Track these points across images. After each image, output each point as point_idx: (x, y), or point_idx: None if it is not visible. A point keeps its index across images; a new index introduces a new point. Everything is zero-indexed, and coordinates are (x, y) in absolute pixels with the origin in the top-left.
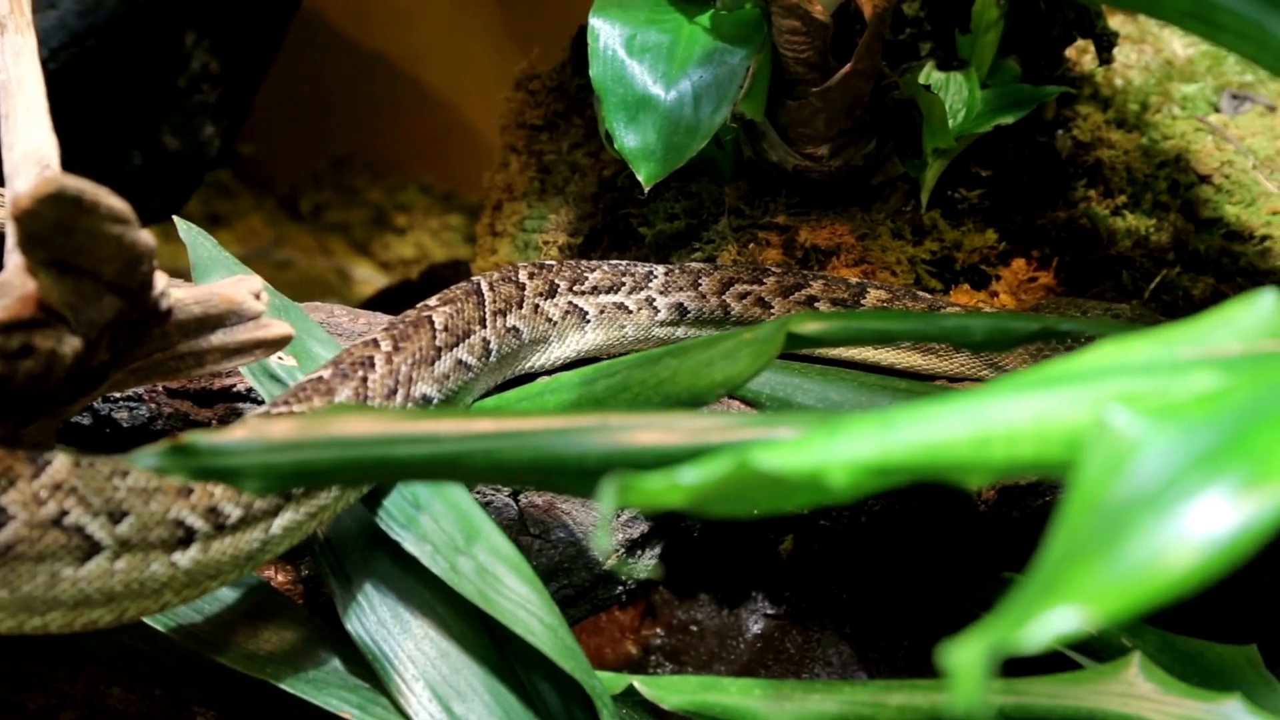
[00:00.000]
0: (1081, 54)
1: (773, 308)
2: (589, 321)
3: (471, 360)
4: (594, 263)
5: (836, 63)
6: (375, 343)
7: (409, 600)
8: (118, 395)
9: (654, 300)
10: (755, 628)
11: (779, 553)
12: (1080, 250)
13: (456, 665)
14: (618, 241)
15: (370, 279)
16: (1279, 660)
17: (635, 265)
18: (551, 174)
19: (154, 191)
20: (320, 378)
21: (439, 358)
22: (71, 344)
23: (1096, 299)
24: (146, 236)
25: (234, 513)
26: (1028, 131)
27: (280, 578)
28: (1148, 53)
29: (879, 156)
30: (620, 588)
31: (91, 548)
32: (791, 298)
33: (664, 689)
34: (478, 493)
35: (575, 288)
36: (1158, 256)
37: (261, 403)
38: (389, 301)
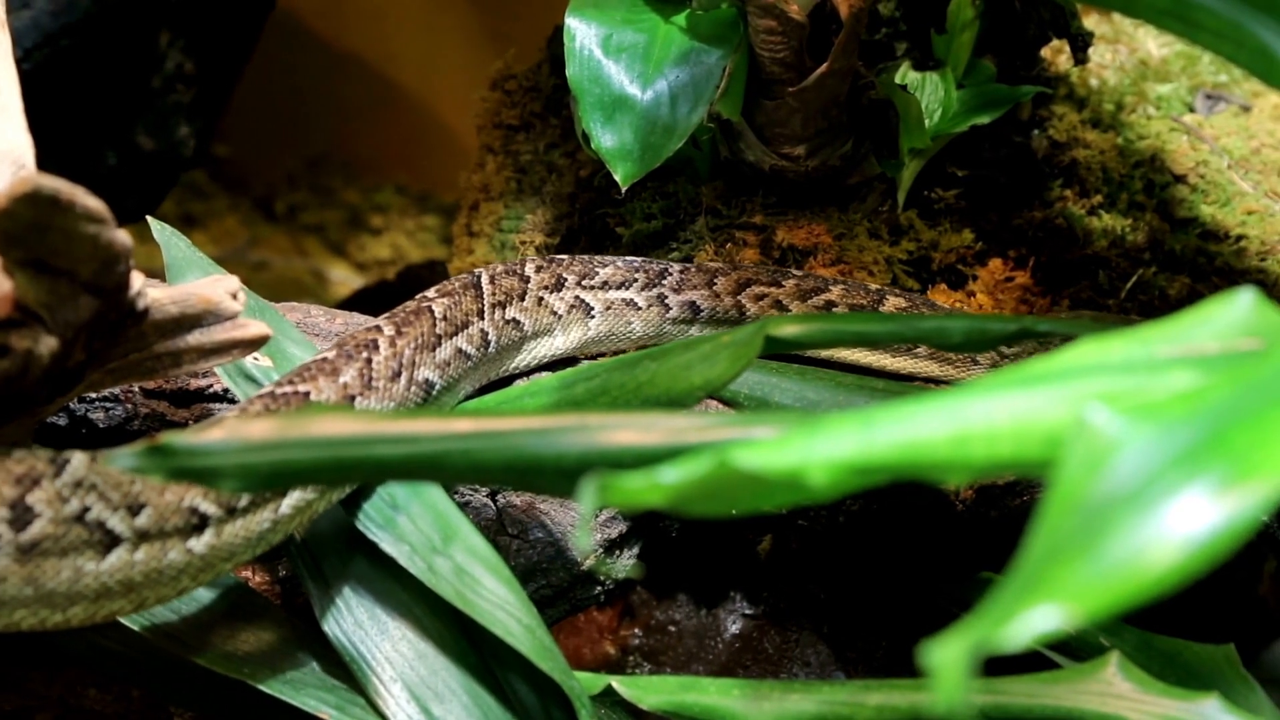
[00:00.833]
0: (1057, 54)
1: (790, 311)
2: (594, 317)
3: (472, 349)
4: (607, 258)
5: (813, 63)
6: (378, 328)
7: (386, 601)
8: (94, 395)
9: (666, 298)
10: (733, 628)
11: (757, 553)
12: (1057, 250)
13: (434, 666)
14: (594, 242)
15: (346, 280)
16: (1256, 659)
17: (650, 262)
18: (528, 174)
19: (129, 192)
20: (325, 358)
21: (439, 344)
22: (48, 344)
23: (1073, 299)
24: (123, 236)
25: (244, 496)
26: (1004, 131)
27: (258, 578)
28: (1123, 53)
29: (856, 156)
30: (599, 588)
31: (112, 541)
32: (810, 302)
33: (642, 689)
34: (456, 493)
35: (584, 282)
36: (1134, 256)
37: (237, 403)
38: (365, 302)
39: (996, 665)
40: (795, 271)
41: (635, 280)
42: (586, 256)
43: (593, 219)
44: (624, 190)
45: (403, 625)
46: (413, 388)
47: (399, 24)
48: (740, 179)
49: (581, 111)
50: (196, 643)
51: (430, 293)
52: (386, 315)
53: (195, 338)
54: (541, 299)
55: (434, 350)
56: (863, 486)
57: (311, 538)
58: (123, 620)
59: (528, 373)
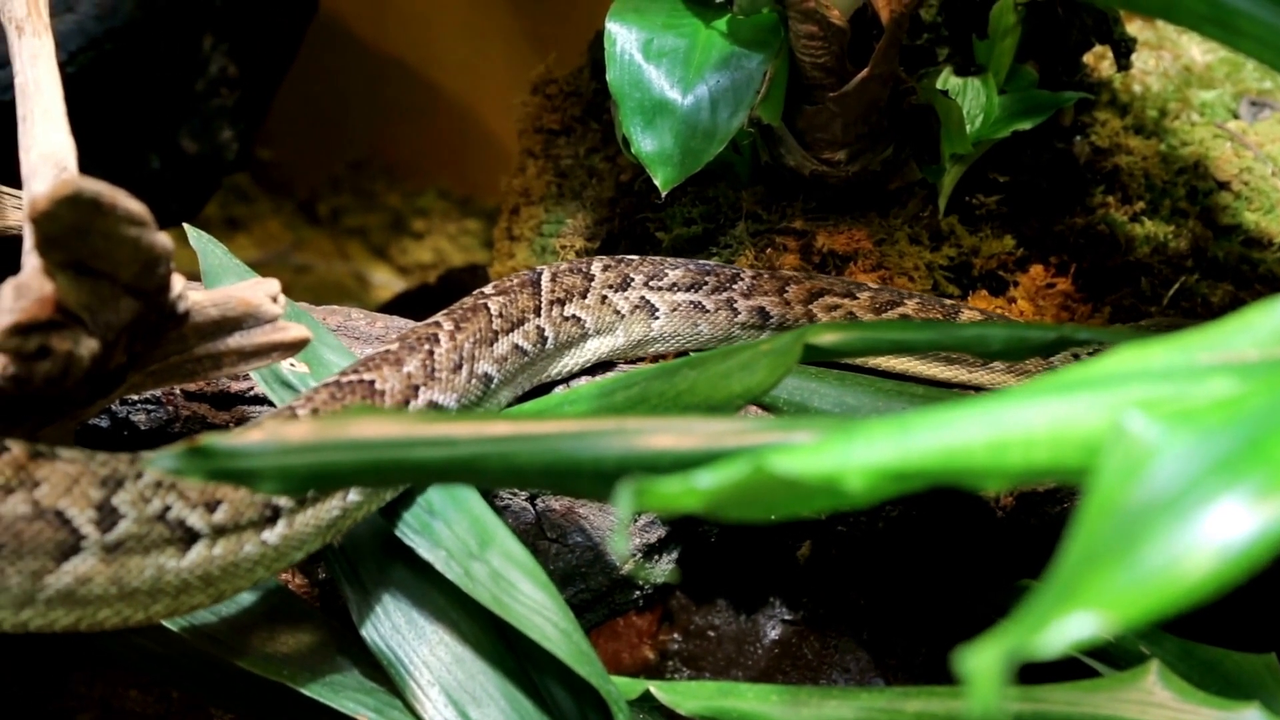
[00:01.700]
0: (1099, 60)
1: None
2: (658, 318)
3: (528, 345)
4: (678, 260)
5: (854, 68)
6: (437, 323)
7: (424, 606)
8: (135, 397)
9: (735, 302)
10: (773, 633)
11: (796, 558)
12: (1098, 256)
13: (471, 671)
14: (634, 246)
15: (388, 283)
16: None
17: (722, 266)
18: (569, 178)
19: (172, 195)
20: (388, 350)
21: (496, 340)
22: (89, 346)
23: (1114, 306)
24: (164, 239)
25: None
26: (1045, 137)
27: (297, 581)
28: (1166, 59)
29: (896, 162)
30: (637, 592)
31: (191, 537)
32: (884, 315)
33: (681, 694)
34: (496, 497)
35: (652, 283)
36: (1176, 263)
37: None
38: (406, 306)
39: (1038, 673)
40: (870, 284)
41: (705, 283)
42: (657, 258)
43: (633, 224)
44: (664, 195)
45: (440, 629)
46: (473, 380)
47: (441, 28)
48: (780, 184)
49: (622, 116)
50: (236, 645)
51: (488, 289)
52: (444, 311)
53: (235, 340)
54: (605, 297)
55: (492, 345)
56: (900, 492)
57: (349, 543)
58: (164, 622)
59: (586, 371)
